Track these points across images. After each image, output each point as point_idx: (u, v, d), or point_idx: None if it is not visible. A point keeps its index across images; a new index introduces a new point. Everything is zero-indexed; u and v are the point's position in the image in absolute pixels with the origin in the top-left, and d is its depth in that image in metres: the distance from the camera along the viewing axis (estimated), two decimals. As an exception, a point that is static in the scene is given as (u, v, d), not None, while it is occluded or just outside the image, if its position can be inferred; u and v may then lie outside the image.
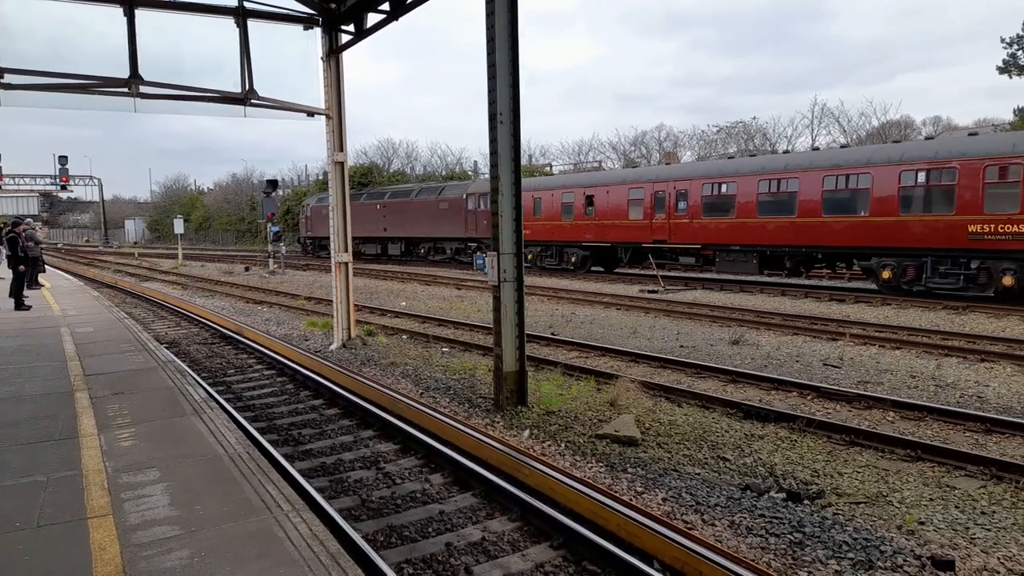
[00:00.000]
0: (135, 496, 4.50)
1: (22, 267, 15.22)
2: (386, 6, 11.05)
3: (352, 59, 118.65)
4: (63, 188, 56.79)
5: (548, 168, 52.48)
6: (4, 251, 17.62)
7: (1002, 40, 32.28)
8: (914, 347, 11.55)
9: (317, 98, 12.59)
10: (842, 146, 27.11)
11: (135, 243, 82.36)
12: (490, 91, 7.89)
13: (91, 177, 77.14)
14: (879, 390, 8.83)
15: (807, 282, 22.23)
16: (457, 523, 5.25)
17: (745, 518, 5.18)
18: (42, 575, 3.53)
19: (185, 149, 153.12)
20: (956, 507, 5.41)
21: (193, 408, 6.69)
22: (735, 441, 7.00)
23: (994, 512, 5.30)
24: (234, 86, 11.55)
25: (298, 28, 12.35)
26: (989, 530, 5.00)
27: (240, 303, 20.22)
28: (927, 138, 20.67)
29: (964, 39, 66.97)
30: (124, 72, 10.72)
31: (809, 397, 8.59)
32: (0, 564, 3.62)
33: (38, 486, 4.70)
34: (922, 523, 5.11)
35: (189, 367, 10.40)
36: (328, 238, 12.98)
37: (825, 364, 10.48)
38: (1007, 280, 15.88)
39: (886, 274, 18.07)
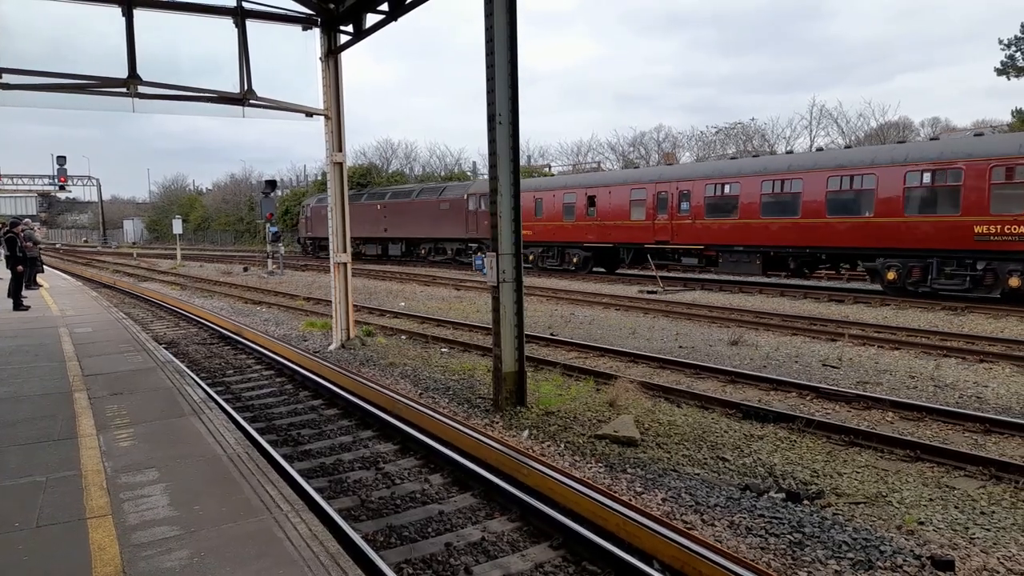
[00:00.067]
0: (134, 496, 4.49)
1: (20, 267, 15.21)
2: (385, 6, 11.04)
3: (351, 59, 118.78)
4: (61, 188, 56.70)
5: (547, 169, 52.51)
6: (2, 251, 17.59)
7: (1000, 41, 32.38)
8: (913, 348, 11.56)
9: (316, 98, 12.60)
10: (846, 146, 27.05)
11: (133, 243, 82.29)
12: (489, 92, 7.89)
13: (89, 177, 76.98)
14: (878, 390, 8.83)
15: (806, 283, 22.23)
16: (457, 523, 5.24)
17: (745, 518, 5.18)
18: (41, 575, 3.52)
19: (183, 149, 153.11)
20: (955, 507, 5.41)
21: (192, 408, 6.68)
22: (734, 441, 7.00)
23: (993, 512, 5.31)
24: (232, 86, 11.55)
25: (297, 28, 12.34)
26: (988, 530, 5.01)
27: (239, 303, 20.20)
28: (932, 138, 20.59)
29: (963, 40, 67.15)
30: (123, 72, 10.71)
31: (808, 397, 8.60)
32: (0, 564, 3.62)
33: (37, 486, 4.69)
34: (922, 523, 5.12)
35: (188, 367, 10.39)
36: (328, 238, 12.99)
37: (824, 364, 10.49)
38: (1014, 281, 15.82)
39: (891, 275, 17.98)
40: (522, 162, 8.68)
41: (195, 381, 8.66)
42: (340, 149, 12.63)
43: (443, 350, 12.22)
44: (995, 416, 7.43)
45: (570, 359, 10.97)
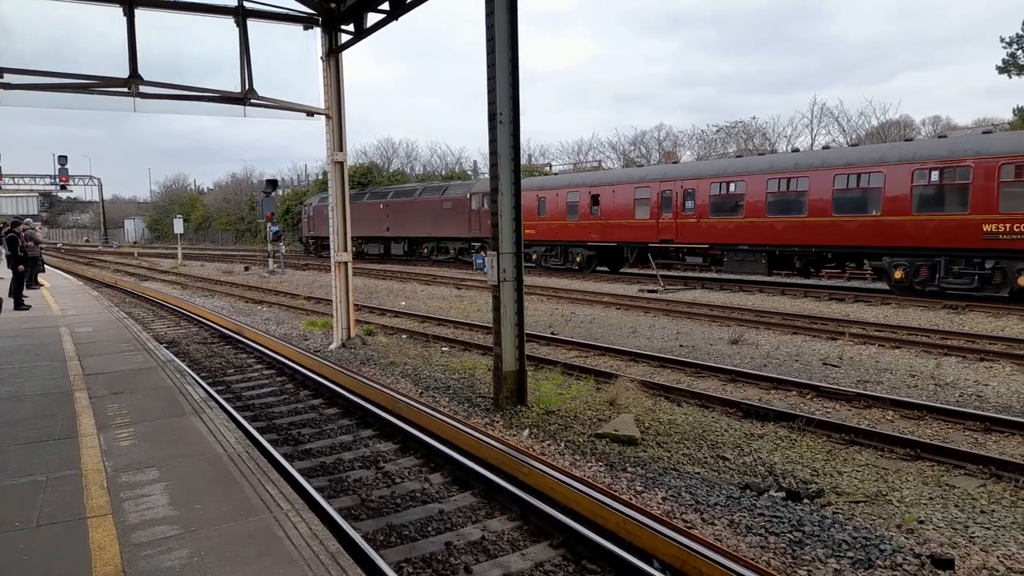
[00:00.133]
0: (134, 496, 4.50)
1: (21, 267, 15.22)
2: (386, 6, 11.05)
3: (352, 59, 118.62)
4: (63, 188, 56.80)
5: (548, 168, 52.48)
6: (4, 251, 17.61)
7: (1001, 40, 32.31)
8: (913, 346, 11.55)
9: (317, 98, 12.61)
10: (853, 144, 26.99)
11: (135, 243, 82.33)
12: (489, 91, 7.89)
13: (91, 177, 77.09)
14: (878, 389, 8.83)
15: (806, 281, 22.20)
16: (457, 522, 5.25)
17: (745, 517, 5.19)
18: (42, 575, 3.52)
19: (184, 149, 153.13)
20: (955, 506, 5.41)
21: (192, 408, 6.69)
22: (734, 440, 7.00)
23: (993, 511, 5.31)
24: (234, 86, 11.55)
25: (298, 28, 12.35)
26: (988, 529, 5.01)
27: (240, 303, 20.22)
28: (940, 136, 20.46)
29: (964, 39, 67.04)
30: (124, 72, 10.72)
31: (808, 396, 8.59)
32: (0, 564, 3.62)
33: (37, 486, 4.70)
34: (921, 522, 5.12)
35: (189, 367, 10.40)
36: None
37: (824, 363, 10.49)
38: (1023, 280, 15.71)
39: (898, 274, 17.86)
40: (523, 161, 8.70)
41: (196, 380, 8.68)
42: (341, 148, 12.64)
43: (444, 349, 12.23)
44: (995, 415, 7.42)
45: (571, 358, 10.97)
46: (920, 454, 6.45)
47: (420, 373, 10.19)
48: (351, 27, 12.04)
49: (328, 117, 12.43)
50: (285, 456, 6.48)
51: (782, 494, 5.61)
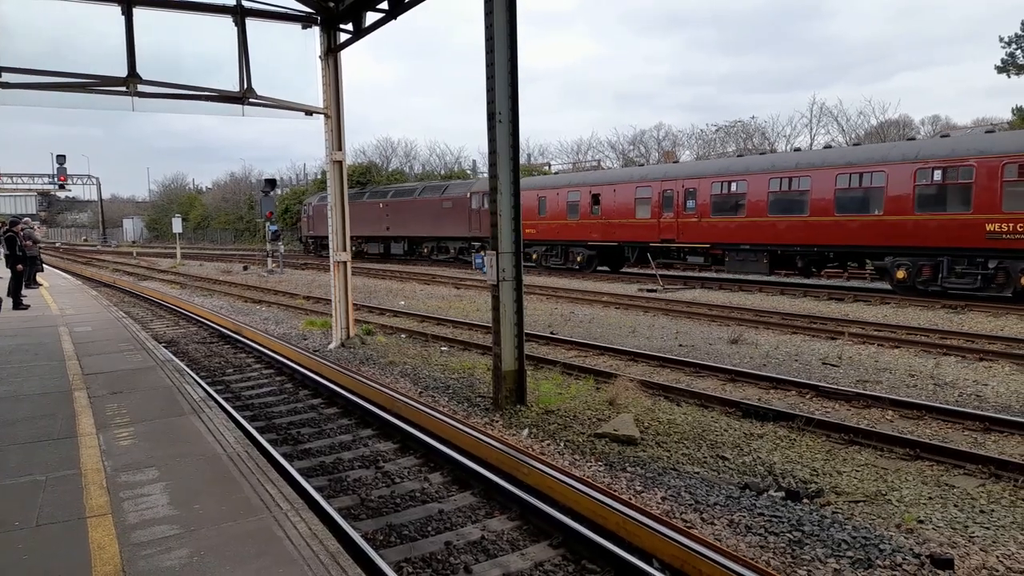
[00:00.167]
0: (134, 495, 4.49)
1: (20, 266, 15.21)
2: (384, 5, 11.03)
3: (351, 58, 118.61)
4: (61, 187, 56.73)
5: (547, 167, 52.48)
6: (2, 250, 17.59)
7: (1001, 39, 32.31)
8: (913, 346, 11.56)
9: (316, 97, 12.59)
10: (855, 143, 26.88)
11: (133, 242, 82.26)
12: (489, 90, 7.89)
13: (89, 176, 76.93)
14: (878, 389, 8.84)
15: (805, 281, 22.19)
16: (456, 522, 5.24)
17: (744, 517, 5.19)
18: (41, 574, 3.52)
19: (183, 148, 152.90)
20: (955, 506, 5.41)
21: (192, 407, 6.68)
22: (734, 440, 7.00)
23: (993, 510, 5.31)
24: (232, 85, 11.53)
25: (296, 27, 12.33)
26: (988, 528, 5.01)
27: (239, 302, 20.20)
28: (943, 135, 20.37)
29: (963, 39, 67.04)
30: (122, 71, 10.71)
31: (808, 396, 8.60)
32: (0, 563, 3.62)
33: (37, 485, 4.69)
34: (921, 521, 5.12)
35: (188, 366, 10.39)
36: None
37: (824, 363, 10.49)
38: None
39: (901, 274, 17.80)
40: (522, 160, 8.69)
41: (195, 380, 8.67)
42: (340, 148, 12.63)
43: (443, 349, 12.22)
44: (995, 414, 7.43)
45: (570, 358, 10.97)
46: (919, 454, 6.46)
47: (419, 373, 10.19)
48: (350, 26, 12.03)
49: (327, 116, 12.42)
50: (284, 456, 6.48)
51: (781, 494, 5.62)
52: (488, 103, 7.91)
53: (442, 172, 56.04)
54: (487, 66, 7.88)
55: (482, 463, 6.10)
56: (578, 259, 27.54)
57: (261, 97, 11.67)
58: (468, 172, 53.59)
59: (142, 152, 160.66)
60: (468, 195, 32.36)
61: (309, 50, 12.51)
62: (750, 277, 22.52)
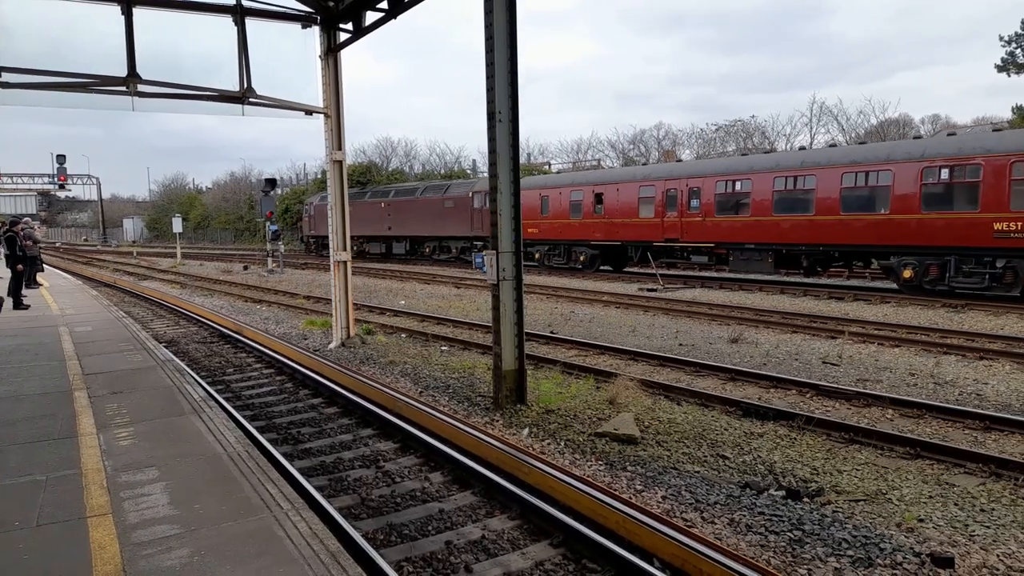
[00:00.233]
0: (134, 495, 4.49)
1: (20, 266, 15.21)
2: (384, 4, 11.03)
3: (351, 58, 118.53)
4: (61, 187, 56.76)
5: (547, 166, 52.48)
6: (2, 250, 17.60)
7: (1001, 38, 32.31)
8: (913, 345, 11.56)
9: (316, 97, 12.59)
10: (859, 143, 26.70)
11: (133, 242, 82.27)
12: (488, 90, 7.88)
13: (89, 176, 76.93)
14: (878, 388, 8.83)
15: (806, 280, 22.19)
16: (457, 521, 5.25)
17: (744, 516, 5.19)
18: (42, 574, 3.52)
19: (183, 148, 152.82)
20: (955, 504, 5.41)
21: (192, 407, 6.68)
22: (734, 439, 7.00)
23: (993, 509, 5.31)
24: (232, 85, 11.53)
25: (296, 26, 12.33)
26: (988, 527, 5.01)
27: (239, 302, 20.20)
28: (949, 134, 20.27)
29: (963, 39, 67.02)
30: (122, 71, 10.71)
31: (808, 395, 8.60)
32: (0, 563, 3.62)
33: (37, 485, 4.69)
34: (921, 520, 5.12)
35: (188, 366, 10.39)
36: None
37: (824, 362, 10.49)
38: None
39: (907, 273, 17.69)
40: (522, 160, 8.69)
41: (195, 380, 8.67)
42: (340, 147, 12.62)
43: (443, 348, 12.22)
44: (995, 413, 7.43)
45: (570, 357, 10.97)
46: (920, 453, 6.45)
47: (419, 372, 10.19)
48: (349, 26, 12.03)
49: (327, 116, 12.42)
50: (285, 455, 6.48)
51: (782, 493, 5.62)
52: (488, 103, 7.91)
53: (442, 172, 56.04)
54: (487, 66, 7.88)
55: (482, 462, 6.10)
56: (581, 259, 27.44)
57: (261, 97, 11.67)
58: (468, 172, 53.59)
59: (142, 152, 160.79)
60: (470, 195, 32.32)
61: (309, 50, 12.52)
62: (750, 276, 22.47)
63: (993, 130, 18.74)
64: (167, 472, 4.91)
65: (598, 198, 26.38)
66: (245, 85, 11.56)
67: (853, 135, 41.50)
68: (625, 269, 27.41)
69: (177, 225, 40.85)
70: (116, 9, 10.69)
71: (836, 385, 8.77)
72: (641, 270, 26.29)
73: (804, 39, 79.17)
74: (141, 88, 10.86)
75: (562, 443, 6.93)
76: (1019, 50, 31.90)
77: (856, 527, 4.96)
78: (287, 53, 13.12)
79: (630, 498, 5.32)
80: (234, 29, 11.57)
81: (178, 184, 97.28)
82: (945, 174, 16.96)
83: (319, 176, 59.39)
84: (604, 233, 26.20)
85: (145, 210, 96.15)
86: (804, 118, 47.50)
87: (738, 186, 21.68)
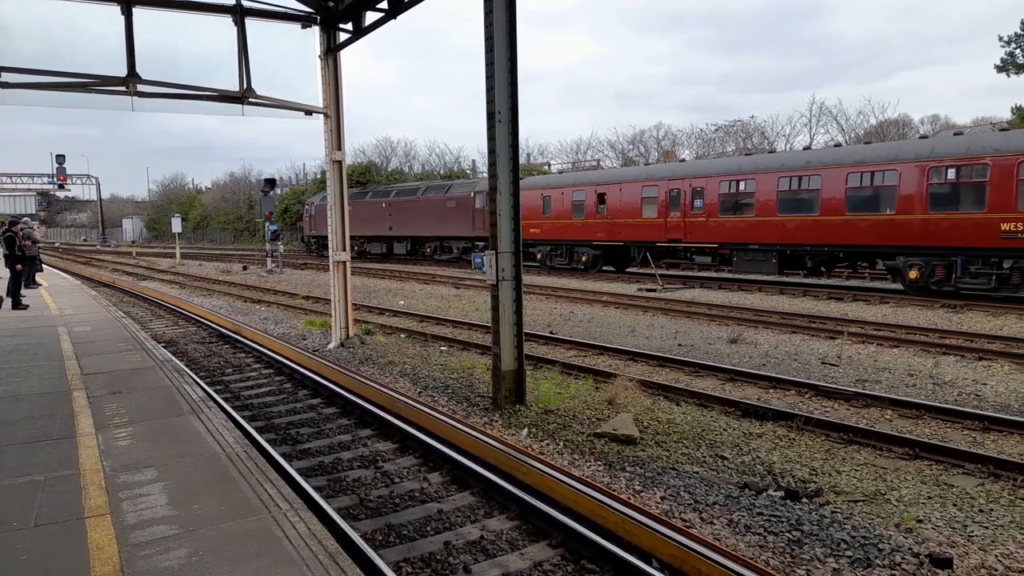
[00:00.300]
0: (133, 495, 4.49)
1: (19, 266, 15.20)
2: (384, 4, 11.03)
3: (350, 58, 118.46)
4: (60, 187, 56.78)
5: (547, 167, 52.47)
6: (1, 250, 17.59)
7: (1000, 38, 32.30)
8: (912, 345, 11.56)
9: (315, 96, 12.60)
10: (865, 142, 26.62)
11: (133, 242, 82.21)
12: (488, 90, 7.88)
13: (88, 176, 76.89)
14: (877, 388, 8.84)
15: (805, 280, 22.18)
16: (456, 522, 5.24)
17: (743, 516, 5.19)
18: (40, 574, 3.52)
19: (183, 148, 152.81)
20: (954, 505, 5.42)
21: (191, 407, 6.68)
22: (733, 439, 7.00)
23: (992, 510, 5.31)
24: (232, 85, 11.53)
25: (296, 26, 12.33)
26: (987, 528, 5.01)
27: (238, 302, 20.20)
28: (955, 133, 20.15)
29: (963, 38, 67.07)
30: (122, 71, 10.70)
31: (807, 395, 8.60)
32: (-2, 564, 3.62)
33: (35, 485, 4.69)
34: (920, 521, 5.12)
35: (187, 366, 10.39)
36: (331, 237, 13.04)
37: (823, 363, 10.49)
38: None
39: (913, 274, 17.54)
40: (521, 160, 8.70)
41: (194, 380, 8.66)
42: (339, 147, 12.62)
43: (442, 348, 12.22)
44: (994, 414, 7.43)
45: (569, 357, 10.97)
46: (918, 453, 6.46)
47: (418, 372, 10.19)
48: (349, 26, 12.03)
49: (326, 116, 12.42)
50: (284, 456, 6.48)
51: (781, 493, 5.62)
52: (488, 103, 7.91)
53: (442, 172, 56.03)
54: (487, 66, 7.88)
55: (481, 463, 6.10)
56: (583, 259, 27.35)
57: (261, 97, 11.67)
58: (468, 172, 53.58)
59: (142, 152, 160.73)
60: (472, 195, 32.28)
61: (309, 50, 12.52)
62: (749, 277, 22.43)
63: (1001, 130, 18.59)
64: (166, 472, 4.91)
65: (600, 198, 26.30)
66: (245, 85, 11.55)
67: (852, 135, 41.53)
68: (627, 270, 27.32)
69: (176, 225, 40.84)
70: (116, 9, 10.69)
71: (835, 385, 8.78)
72: (640, 270, 26.27)
73: (804, 39, 79.26)
74: (141, 88, 10.85)
75: (561, 443, 6.93)
76: (1019, 50, 31.91)
77: (855, 527, 4.96)
78: (287, 53, 13.14)
79: (629, 498, 5.32)
80: (234, 29, 11.57)
81: (177, 184, 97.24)
82: (952, 174, 16.84)
83: (318, 176, 59.40)
84: (607, 233, 26.13)
85: (144, 210, 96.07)
86: (804, 118, 47.58)
87: (742, 186, 21.58)
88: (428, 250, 36.51)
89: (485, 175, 42.57)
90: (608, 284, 23.09)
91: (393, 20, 10.93)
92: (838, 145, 26.90)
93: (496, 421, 7.69)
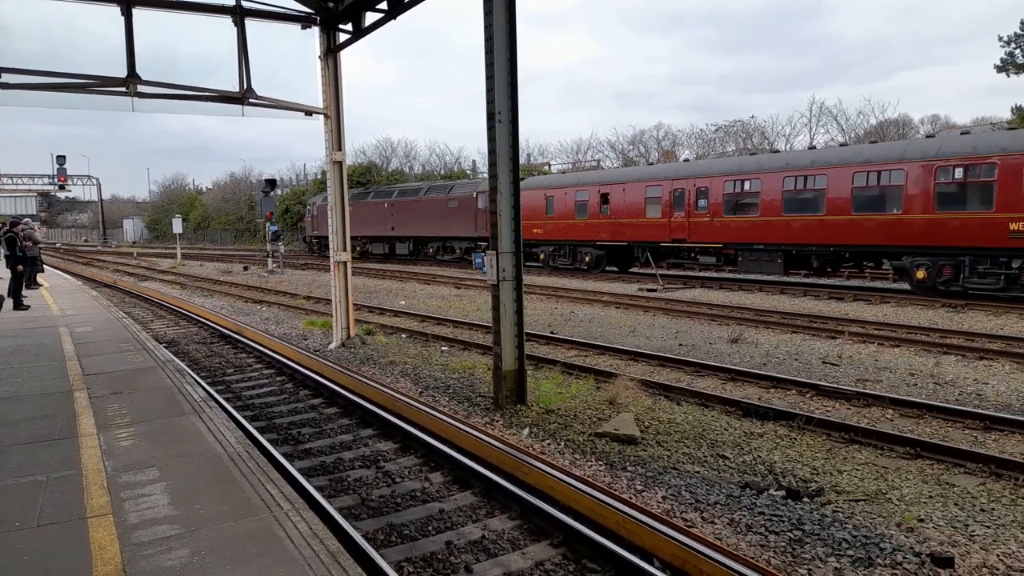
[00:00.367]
0: (135, 495, 4.50)
1: (20, 267, 15.21)
2: (384, 5, 11.03)
3: (350, 58, 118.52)
4: (61, 188, 56.65)
5: (547, 167, 52.46)
6: (2, 251, 17.61)
7: (1000, 38, 32.27)
8: (913, 345, 11.56)
9: (315, 97, 12.60)
10: (871, 141, 26.55)
11: (133, 243, 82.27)
12: (488, 90, 7.89)
13: (89, 177, 76.91)
14: (878, 388, 8.84)
15: (806, 280, 22.16)
16: (457, 521, 5.25)
17: (745, 516, 5.19)
18: (42, 575, 3.52)
19: (183, 148, 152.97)
20: (955, 504, 5.42)
21: (192, 407, 6.69)
22: (734, 439, 7.00)
23: (993, 509, 5.31)
24: (232, 85, 11.53)
25: (296, 27, 12.34)
26: (988, 527, 5.01)
27: (239, 302, 20.20)
28: (963, 132, 19.98)
29: (963, 38, 67.05)
30: (122, 72, 10.71)
31: (808, 395, 8.60)
32: (0, 564, 3.62)
33: (38, 486, 4.69)
34: (921, 520, 5.12)
35: (188, 366, 10.39)
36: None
37: (824, 362, 10.49)
38: None
39: (921, 274, 17.44)
40: (521, 160, 8.70)
41: (195, 380, 8.67)
42: (340, 148, 12.63)
43: (443, 348, 12.23)
44: (995, 413, 7.43)
45: (570, 357, 10.97)
46: (920, 453, 6.46)
47: (420, 372, 10.19)
48: (349, 26, 12.03)
49: (326, 116, 12.42)
50: (285, 455, 6.48)
51: (782, 493, 5.62)
52: (488, 103, 7.91)
53: (442, 172, 56.04)
54: (487, 66, 7.88)
55: (482, 463, 6.11)
56: (586, 259, 27.26)
57: (261, 97, 11.67)
58: (468, 172, 53.58)
59: (142, 152, 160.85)
60: (474, 195, 32.24)
61: (309, 50, 12.52)
62: (750, 276, 22.39)
63: (1008, 128, 18.49)
64: (167, 472, 4.92)
65: (604, 198, 26.23)
66: (245, 86, 11.56)
67: (853, 135, 41.51)
68: (631, 270, 27.24)
69: (177, 226, 40.84)
70: (116, 10, 10.69)
71: (836, 385, 8.77)
72: (641, 270, 26.26)
73: (804, 39, 79.25)
74: (141, 89, 10.86)
75: (562, 443, 6.93)
76: (1018, 50, 31.89)
77: (856, 527, 4.96)
78: (287, 54, 13.13)
79: (630, 498, 5.32)
80: (234, 30, 11.57)
81: (178, 185, 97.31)
82: (959, 173, 16.73)
83: (319, 176, 59.39)
84: (610, 233, 26.06)
85: (145, 211, 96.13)
86: (804, 118, 47.56)
87: (747, 186, 21.47)
88: (431, 250, 36.49)
89: (486, 175, 42.56)
90: (609, 284, 23.08)
91: (393, 21, 10.94)
92: (843, 144, 26.73)
93: (497, 421, 7.69)
